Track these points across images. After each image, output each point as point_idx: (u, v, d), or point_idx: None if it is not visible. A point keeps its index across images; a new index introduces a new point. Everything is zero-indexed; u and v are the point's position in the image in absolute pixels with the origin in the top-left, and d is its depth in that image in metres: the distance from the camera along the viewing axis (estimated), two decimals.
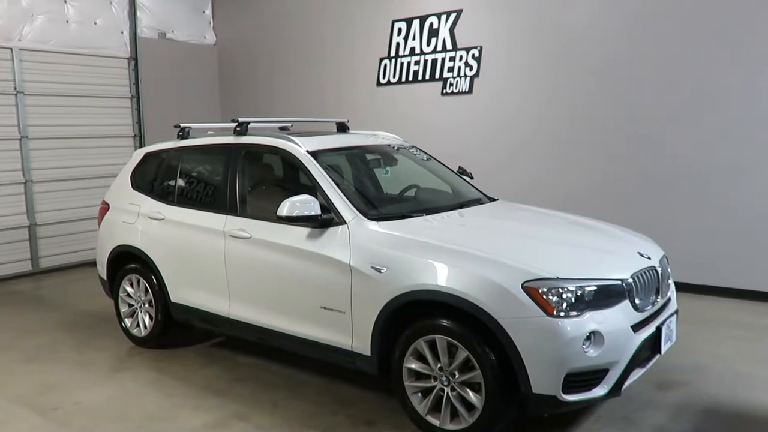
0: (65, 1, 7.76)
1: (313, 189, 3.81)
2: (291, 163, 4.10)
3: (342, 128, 5.11)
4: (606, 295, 3.06)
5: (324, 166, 3.92)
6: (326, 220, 3.63)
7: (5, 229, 7.39)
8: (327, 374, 4.17)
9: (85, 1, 7.95)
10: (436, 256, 3.23)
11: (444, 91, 7.31)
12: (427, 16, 7.36)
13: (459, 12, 7.11)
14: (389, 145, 4.67)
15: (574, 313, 2.94)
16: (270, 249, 3.88)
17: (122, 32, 8.39)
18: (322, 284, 3.61)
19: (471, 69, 7.09)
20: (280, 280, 3.86)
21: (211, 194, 4.46)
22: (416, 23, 7.47)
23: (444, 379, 3.20)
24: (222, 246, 4.14)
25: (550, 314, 2.91)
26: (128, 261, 4.86)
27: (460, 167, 5.10)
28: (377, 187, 4.54)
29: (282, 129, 5.30)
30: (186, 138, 4.82)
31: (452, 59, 7.22)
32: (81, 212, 7.82)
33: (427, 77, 7.44)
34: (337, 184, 3.78)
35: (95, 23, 8.08)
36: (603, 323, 2.97)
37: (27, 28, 7.42)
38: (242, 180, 4.26)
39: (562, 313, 2.92)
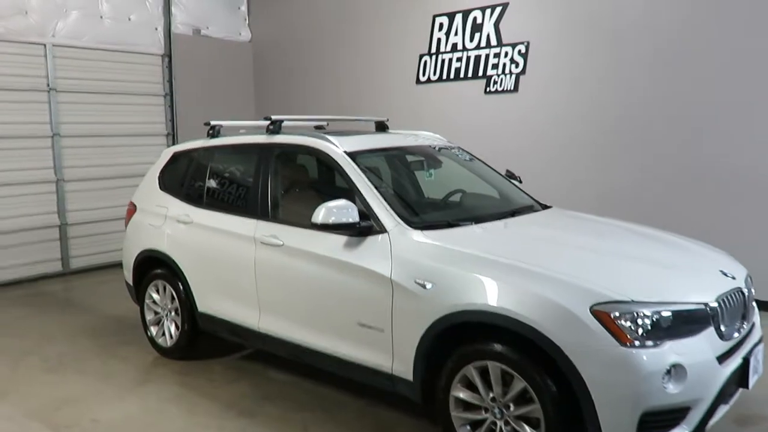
0: None
1: (351, 193, 3.47)
2: (327, 164, 3.78)
3: (381, 127, 4.77)
4: (688, 322, 2.65)
5: (363, 168, 3.58)
6: (365, 228, 3.30)
7: (36, 229, 7.26)
8: (366, 396, 3.83)
9: None
10: (489, 271, 2.86)
11: (487, 90, 6.91)
12: (471, 10, 6.98)
13: (505, 5, 6.71)
14: (432, 146, 4.31)
15: (652, 343, 2.53)
16: (303, 258, 3.56)
17: (156, 28, 8.21)
18: (360, 299, 3.27)
19: (517, 66, 6.68)
20: (314, 293, 3.53)
21: (241, 197, 4.17)
22: (459, 18, 7.09)
23: (497, 411, 2.83)
24: (252, 253, 3.84)
25: (623, 343, 2.51)
26: (155, 266, 4.61)
27: (507, 170, 4.72)
28: (420, 192, 4.20)
29: (317, 128, 4.99)
30: (216, 137, 4.55)
31: (497, 56, 6.82)
32: (112, 212, 7.64)
33: (470, 75, 7.06)
34: (377, 188, 3.44)
35: (129, 19, 7.92)
36: (685, 354, 2.56)
37: (60, 24, 7.29)
38: (274, 182, 3.96)
39: (637, 343, 2.52)
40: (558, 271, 2.76)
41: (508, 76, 6.75)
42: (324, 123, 5.03)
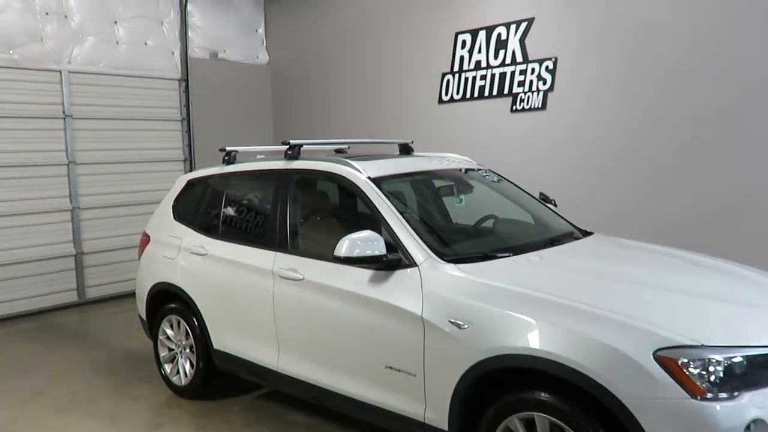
0: (116, 22, 7.50)
1: (377, 223, 3.20)
2: (350, 191, 3.52)
3: (406, 150, 4.52)
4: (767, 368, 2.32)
5: (388, 195, 3.31)
6: (393, 261, 3.02)
7: (51, 258, 7.09)
8: None
9: (136, 22, 7.68)
10: (533, 310, 2.55)
11: (514, 108, 6.63)
12: (495, 26, 6.73)
13: (530, 21, 6.45)
14: (461, 169, 4.03)
15: (727, 394, 2.21)
16: (325, 294, 3.28)
17: (173, 53, 8.09)
18: (388, 339, 2.98)
19: (544, 83, 6.39)
20: (337, 332, 3.25)
21: (258, 227, 3.92)
22: (482, 35, 6.85)
23: None
24: (270, 288, 3.57)
25: (693, 395, 2.19)
26: (168, 300, 4.37)
27: (541, 193, 4.42)
28: (449, 220, 3.91)
29: (338, 152, 4.75)
30: (232, 163, 4.32)
31: (523, 72, 6.55)
32: (129, 240, 7.43)
33: (495, 93, 6.79)
34: (405, 217, 3.17)
35: (146, 44, 7.80)
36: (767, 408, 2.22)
37: (76, 50, 7.19)
38: (294, 211, 3.70)
39: (710, 395, 2.19)
40: (613, 310, 2.45)
41: (535, 93, 6.47)
42: (345, 146, 4.79)
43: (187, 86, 8.20)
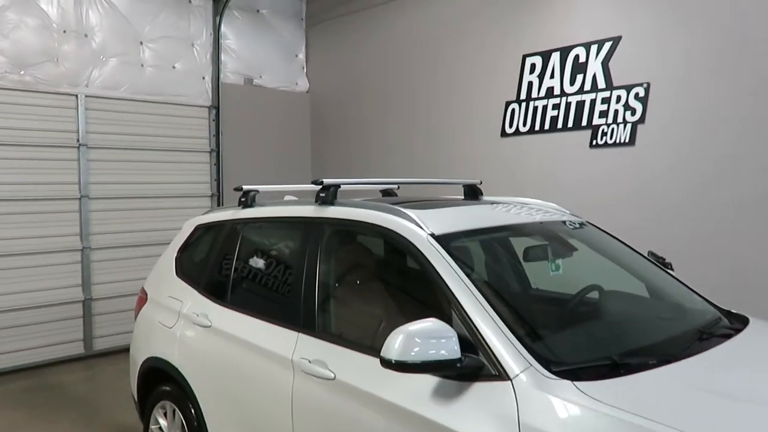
0: (141, 43, 6.78)
1: (445, 303, 2.17)
2: (405, 253, 2.50)
3: (472, 193, 3.48)
4: None
5: (462, 262, 2.28)
6: (471, 368, 1.97)
7: (56, 304, 6.26)
8: None
9: (165, 43, 6.96)
10: None
11: (594, 143, 5.55)
12: (571, 47, 5.71)
13: (616, 40, 5.40)
14: (561, 221, 2.97)
15: None
16: (365, 404, 2.25)
17: (203, 77, 7.33)
18: None
19: (633, 113, 5.31)
20: None
21: (278, 295, 2.93)
22: (556, 57, 5.83)
23: None
24: (289, 384, 2.55)
25: None
26: (163, 381, 3.38)
27: (651, 252, 3.32)
28: (547, 298, 2.83)
29: (385, 194, 3.75)
30: (250, 206, 3.36)
31: (606, 101, 5.49)
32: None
33: (570, 125, 5.73)
34: (490, 299, 2.12)
35: (174, 67, 7.06)
36: None
37: (96, 73, 6.47)
38: (325, 276, 2.70)
39: None
40: None
41: (621, 125, 5.38)
42: (394, 186, 3.79)
43: (217, 114, 7.41)
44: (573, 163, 5.69)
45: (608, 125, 5.47)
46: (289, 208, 3.10)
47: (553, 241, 2.84)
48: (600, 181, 5.51)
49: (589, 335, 2.40)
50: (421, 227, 2.40)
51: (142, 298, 3.74)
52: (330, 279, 2.71)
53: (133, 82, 6.72)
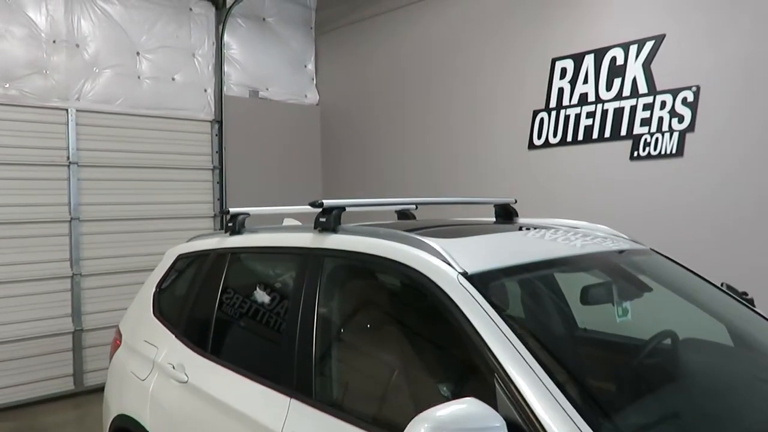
0: (138, 53, 6.31)
1: (484, 369, 1.57)
2: (427, 295, 1.90)
3: (506, 214, 2.89)
4: None
5: (503, 311, 1.68)
6: None
7: (44, 336, 5.75)
8: None
9: (163, 54, 6.48)
10: None
11: (636, 154, 4.94)
12: (607, 48, 5.12)
13: (659, 39, 4.81)
14: (622, 250, 2.36)
15: None
16: None
17: (205, 90, 6.84)
18: None
19: (681, 120, 4.70)
20: None
21: (267, 345, 2.35)
22: (589, 60, 5.24)
23: None
24: None
25: None
26: None
27: (727, 285, 2.70)
28: (606, 348, 2.22)
29: (401, 216, 3.17)
30: (238, 232, 2.79)
31: (648, 107, 4.88)
32: None
33: (608, 135, 5.12)
34: (551, 370, 1.52)
35: (173, 79, 6.58)
36: None
37: (88, 86, 6.00)
38: (324, 325, 2.13)
39: None
40: None
41: (667, 134, 4.77)
42: (412, 206, 3.21)
43: (220, 129, 6.90)
44: (611, 177, 5.08)
45: (651, 134, 4.86)
46: (283, 237, 2.53)
47: (618, 277, 2.23)
48: (642, 198, 4.89)
49: (675, 413, 1.77)
50: (448, 263, 1.82)
51: (116, 341, 3.18)
52: (330, 329, 2.14)
53: (128, 95, 6.24)
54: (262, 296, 2.46)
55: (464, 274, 1.78)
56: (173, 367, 2.59)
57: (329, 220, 2.29)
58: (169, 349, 2.71)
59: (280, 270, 2.50)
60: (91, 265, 5.99)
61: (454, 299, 1.72)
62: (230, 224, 2.81)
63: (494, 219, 2.93)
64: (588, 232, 2.56)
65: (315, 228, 2.33)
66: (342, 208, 2.34)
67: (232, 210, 2.83)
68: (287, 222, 3.10)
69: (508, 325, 1.63)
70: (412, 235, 2.01)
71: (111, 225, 6.10)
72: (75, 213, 5.89)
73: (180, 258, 3.05)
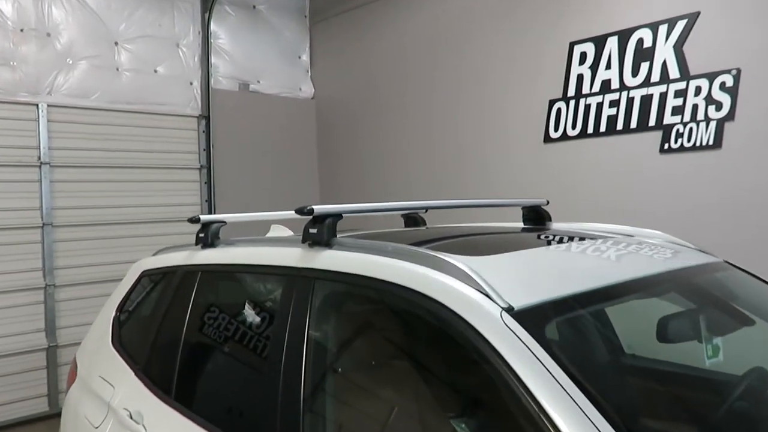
0: (116, 43, 5.80)
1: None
2: (454, 339, 1.38)
3: (537, 217, 2.38)
4: None
5: (569, 365, 1.16)
6: None
7: (16, 354, 5.26)
8: None
9: (144, 44, 5.97)
10: None
11: (666, 146, 4.43)
12: (633, 29, 4.61)
13: (692, 17, 4.30)
14: (699, 266, 1.84)
15: None
16: None
17: (191, 83, 6.32)
18: None
19: (719, 108, 4.19)
20: None
21: (242, 392, 1.83)
22: (612, 43, 4.73)
23: None
24: None
25: None
26: None
27: None
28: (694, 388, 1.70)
29: (409, 221, 2.66)
30: (211, 245, 2.27)
31: (680, 94, 4.37)
32: None
33: (634, 125, 4.61)
34: None
35: (155, 71, 6.07)
36: None
37: (61, 78, 5.48)
38: (314, 369, 1.60)
39: None
40: None
41: (702, 123, 4.26)
42: (421, 210, 2.70)
43: (208, 125, 6.40)
44: (638, 172, 4.57)
45: (684, 124, 4.35)
46: (265, 252, 2.02)
47: (704, 303, 1.71)
48: (674, 196, 4.38)
49: None
50: (485, 293, 1.31)
51: (73, 372, 2.68)
52: (322, 374, 1.62)
53: (106, 88, 5.73)
54: (236, 329, 1.95)
55: (509, 310, 1.27)
56: (130, 416, 2.08)
57: (321, 231, 1.77)
58: (127, 390, 2.19)
59: (260, 295, 1.99)
60: (65, 275, 5.48)
61: (498, 348, 1.21)
62: (201, 235, 2.29)
63: (521, 223, 2.42)
64: (643, 240, 2.04)
65: (304, 242, 1.82)
66: (338, 216, 1.83)
67: (203, 218, 2.32)
68: (275, 230, 2.60)
69: (578, 386, 1.12)
70: (432, 252, 1.49)
71: (87, 231, 5.60)
72: (47, 218, 5.39)
73: (144, 275, 2.54)
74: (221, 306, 2.12)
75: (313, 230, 1.79)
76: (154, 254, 2.65)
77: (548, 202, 2.46)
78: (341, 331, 1.75)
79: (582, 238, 1.93)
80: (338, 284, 1.68)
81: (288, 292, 1.75)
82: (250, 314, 1.87)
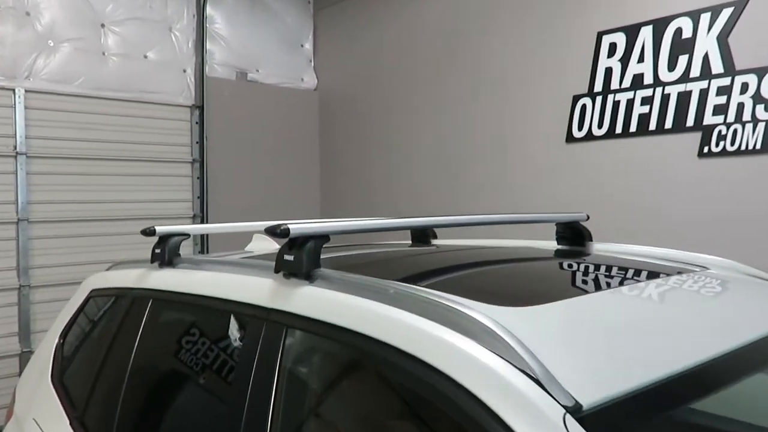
0: (103, 25, 5.37)
1: None
2: None
3: (576, 237, 1.92)
4: None
5: None
6: None
7: None
8: None
9: (134, 27, 5.54)
10: None
11: (706, 150, 3.96)
12: (671, 18, 4.13)
13: (740, 4, 3.82)
14: None
15: None
16: None
17: (185, 70, 5.89)
18: None
19: (767, 108, 3.72)
20: None
21: None
22: (646, 33, 4.26)
23: None
24: None
25: None
26: None
27: None
28: None
29: (416, 237, 2.20)
30: (170, 264, 1.82)
31: (724, 91, 3.90)
32: None
33: (669, 125, 4.14)
34: None
35: (145, 57, 5.63)
36: None
37: (41, 62, 5.06)
38: None
39: None
40: None
41: (749, 125, 3.79)
42: (428, 225, 2.23)
43: (202, 116, 5.96)
44: (672, 178, 4.11)
45: (728, 125, 3.88)
46: (230, 280, 1.57)
47: None
48: (715, 206, 3.91)
49: None
50: (538, 382, 0.84)
51: (10, 409, 2.23)
52: None
53: (90, 74, 5.30)
54: (189, 379, 1.50)
55: (576, 411, 0.80)
56: None
57: (300, 258, 1.32)
58: None
59: (219, 339, 1.54)
60: (42, 275, 5.08)
61: None
62: (158, 251, 1.84)
63: (554, 242, 1.96)
64: (727, 278, 1.57)
65: (277, 271, 1.37)
66: (323, 238, 1.37)
67: (159, 229, 1.88)
68: (257, 240, 2.16)
69: None
70: (453, 303, 1.03)
71: (67, 227, 5.19)
72: (23, 213, 4.98)
73: (93, 295, 2.09)
74: (171, 347, 1.67)
75: (288, 256, 1.33)
76: (107, 269, 2.21)
77: (588, 217, 2.00)
78: (318, 406, 1.28)
79: (653, 274, 1.46)
80: (317, 339, 1.22)
81: (252, 340, 1.29)
82: (205, 363, 1.41)
